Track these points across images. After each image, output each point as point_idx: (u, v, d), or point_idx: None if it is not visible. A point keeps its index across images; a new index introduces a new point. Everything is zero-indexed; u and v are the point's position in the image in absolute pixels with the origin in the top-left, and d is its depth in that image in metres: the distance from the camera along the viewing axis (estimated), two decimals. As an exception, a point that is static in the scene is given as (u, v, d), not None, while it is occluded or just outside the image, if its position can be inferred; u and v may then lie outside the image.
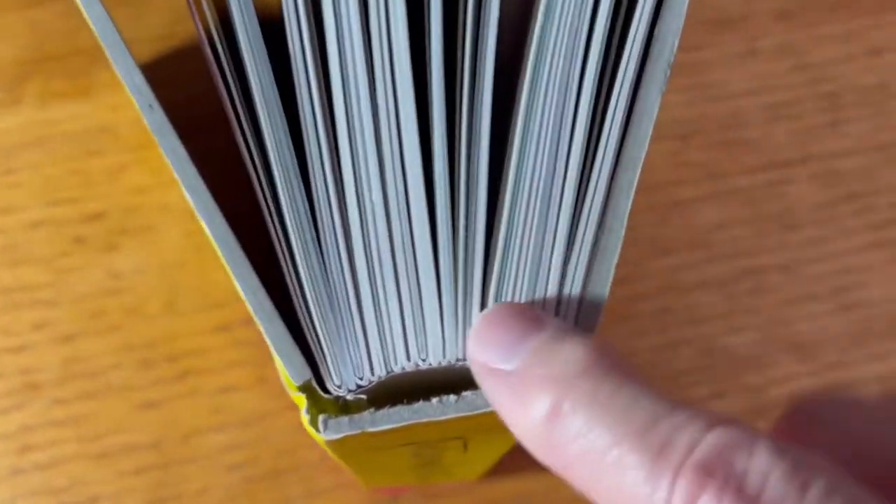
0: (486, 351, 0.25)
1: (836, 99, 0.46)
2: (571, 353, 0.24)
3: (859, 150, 0.46)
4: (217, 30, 0.25)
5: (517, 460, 0.40)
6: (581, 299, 0.27)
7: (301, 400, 0.26)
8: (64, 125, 0.44)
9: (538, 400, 0.23)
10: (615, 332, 0.43)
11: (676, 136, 0.46)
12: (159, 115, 0.25)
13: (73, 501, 0.41)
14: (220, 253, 0.25)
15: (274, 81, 0.25)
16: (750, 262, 0.45)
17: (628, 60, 0.26)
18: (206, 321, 0.43)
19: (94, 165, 0.44)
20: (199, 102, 0.28)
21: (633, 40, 0.26)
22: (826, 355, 0.44)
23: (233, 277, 0.25)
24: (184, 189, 0.25)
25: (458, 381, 0.27)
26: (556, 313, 0.27)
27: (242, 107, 0.25)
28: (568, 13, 0.25)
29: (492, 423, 0.26)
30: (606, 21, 0.26)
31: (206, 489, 0.42)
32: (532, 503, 0.42)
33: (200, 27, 0.24)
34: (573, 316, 0.27)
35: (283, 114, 0.25)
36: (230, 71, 0.25)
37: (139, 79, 0.25)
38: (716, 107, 0.46)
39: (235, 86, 0.25)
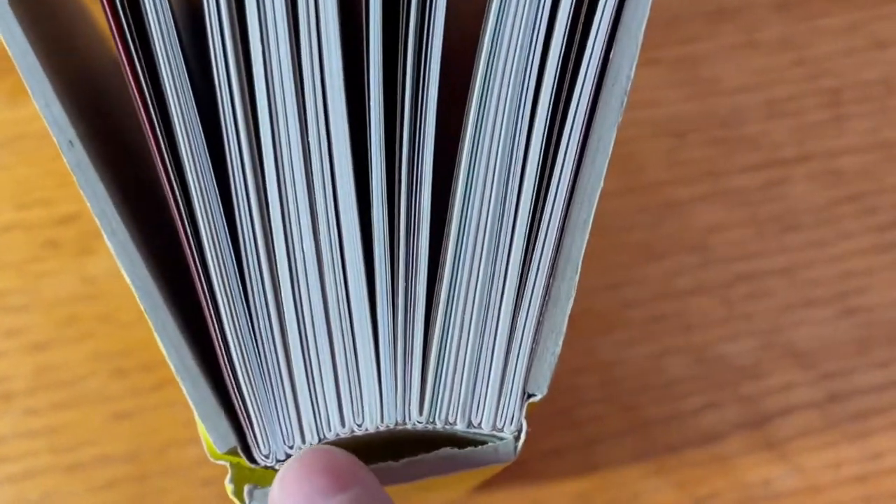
0: (286, 499, 0.24)
1: (838, 94, 0.45)
2: None
3: (862, 148, 0.44)
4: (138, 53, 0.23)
5: (503, 476, 0.39)
6: (531, 354, 0.25)
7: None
8: (36, 124, 0.43)
9: None
10: (605, 341, 0.42)
11: (671, 133, 0.44)
12: (80, 152, 0.23)
13: (47, 514, 0.40)
14: (141, 305, 0.24)
15: (198, 116, 0.23)
16: (747, 265, 0.43)
17: (581, 90, 0.24)
18: (183, 328, 0.42)
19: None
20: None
21: (588, 66, 0.24)
22: (826, 363, 0.43)
23: (154, 332, 0.24)
24: (103, 233, 0.23)
25: (402, 441, 0.25)
26: (504, 369, 0.25)
27: (166, 148, 0.23)
28: (517, 40, 0.23)
29: (443, 482, 0.24)
30: (561, 45, 0.24)
31: (182, 503, 0.40)
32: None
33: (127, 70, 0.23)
34: (523, 374, 0.25)
35: (208, 155, 0.23)
36: (151, 101, 0.23)
37: (58, 111, 0.23)
38: (713, 102, 0.44)
39: (157, 119, 0.23)
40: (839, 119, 0.44)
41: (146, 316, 0.24)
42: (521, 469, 0.39)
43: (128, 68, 0.23)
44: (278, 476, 0.25)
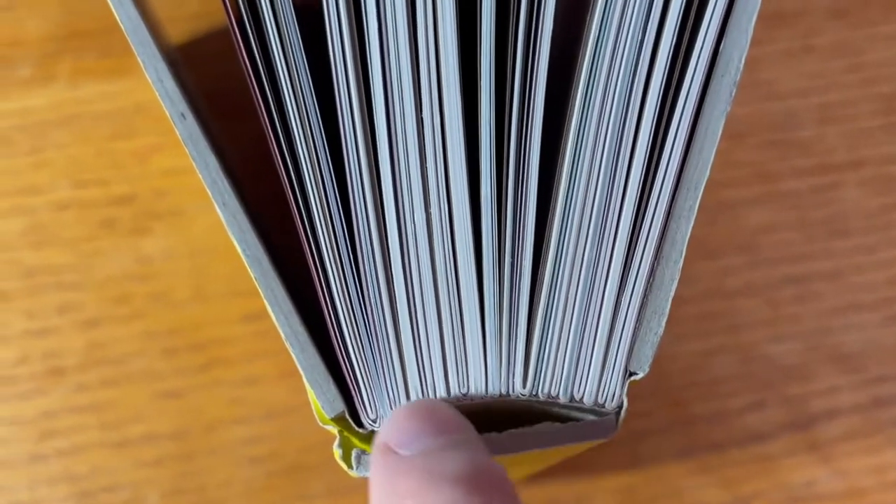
0: (392, 433, 0.24)
1: (892, 101, 0.45)
2: (458, 460, 0.24)
3: (914, 155, 0.44)
4: (251, 27, 0.23)
5: (550, 468, 0.39)
6: (634, 333, 0.25)
7: (333, 432, 0.25)
8: (95, 105, 0.43)
9: (406, 479, 0.24)
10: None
11: (726, 135, 0.44)
12: (192, 125, 0.23)
13: (93, 489, 0.41)
14: (251, 273, 0.24)
15: (311, 82, 0.24)
16: (796, 268, 0.43)
17: (692, 79, 0.24)
18: (233, 310, 0.42)
19: (124, 147, 0.43)
20: (238, 82, 0.27)
21: (699, 57, 0.24)
22: (871, 368, 0.43)
23: (265, 300, 0.24)
24: (215, 204, 0.23)
25: (501, 414, 0.25)
26: (608, 346, 0.25)
27: (275, 111, 0.23)
28: (627, 28, 0.24)
29: (534, 457, 0.25)
30: (673, 34, 0.24)
31: (228, 482, 0.41)
32: (562, 510, 0.41)
33: (237, 31, 0.23)
34: (625, 353, 0.25)
35: (320, 121, 0.24)
36: (264, 72, 0.23)
37: (171, 85, 0.24)
38: (767, 106, 0.44)
39: (270, 88, 0.23)
40: (892, 126, 0.45)
41: (256, 284, 0.24)
42: (568, 461, 0.39)
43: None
44: (390, 415, 0.25)
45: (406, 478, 0.23)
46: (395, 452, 0.24)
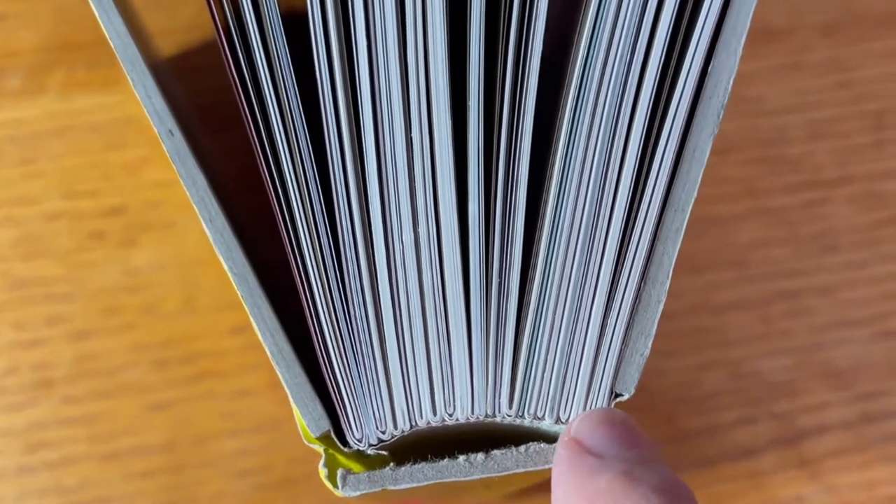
0: (586, 434, 0.25)
1: (881, 118, 0.45)
2: (656, 472, 0.25)
3: (904, 172, 0.44)
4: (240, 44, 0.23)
5: (539, 484, 0.39)
6: (620, 355, 0.25)
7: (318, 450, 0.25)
8: (87, 116, 0.43)
9: (606, 480, 0.24)
10: (643, 351, 0.42)
11: (715, 151, 0.44)
12: (180, 142, 0.23)
13: (82, 502, 0.40)
14: (238, 291, 0.24)
15: (298, 95, 0.24)
16: (786, 283, 0.43)
17: (679, 101, 0.25)
18: (224, 322, 0.42)
19: (115, 158, 0.43)
20: (229, 94, 0.27)
21: (686, 79, 0.24)
22: (861, 384, 0.43)
23: (251, 318, 0.24)
24: (202, 221, 0.23)
25: (487, 434, 0.25)
26: (594, 367, 0.25)
27: (262, 124, 0.23)
28: (615, 51, 0.24)
29: (521, 475, 0.25)
30: (660, 57, 0.24)
31: (218, 495, 0.41)
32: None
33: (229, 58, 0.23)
34: (611, 374, 0.25)
35: (307, 136, 0.24)
36: (250, 83, 0.23)
37: (159, 102, 0.24)
38: (757, 122, 0.45)
39: (256, 101, 0.23)
40: (882, 143, 0.45)
41: (242, 302, 0.24)
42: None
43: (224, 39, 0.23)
44: (581, 416, 0.25)
45: (606, 478, 0.24)
46: (590, 453, 0.25)
